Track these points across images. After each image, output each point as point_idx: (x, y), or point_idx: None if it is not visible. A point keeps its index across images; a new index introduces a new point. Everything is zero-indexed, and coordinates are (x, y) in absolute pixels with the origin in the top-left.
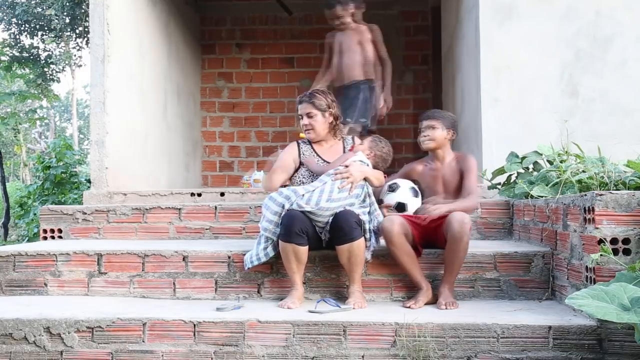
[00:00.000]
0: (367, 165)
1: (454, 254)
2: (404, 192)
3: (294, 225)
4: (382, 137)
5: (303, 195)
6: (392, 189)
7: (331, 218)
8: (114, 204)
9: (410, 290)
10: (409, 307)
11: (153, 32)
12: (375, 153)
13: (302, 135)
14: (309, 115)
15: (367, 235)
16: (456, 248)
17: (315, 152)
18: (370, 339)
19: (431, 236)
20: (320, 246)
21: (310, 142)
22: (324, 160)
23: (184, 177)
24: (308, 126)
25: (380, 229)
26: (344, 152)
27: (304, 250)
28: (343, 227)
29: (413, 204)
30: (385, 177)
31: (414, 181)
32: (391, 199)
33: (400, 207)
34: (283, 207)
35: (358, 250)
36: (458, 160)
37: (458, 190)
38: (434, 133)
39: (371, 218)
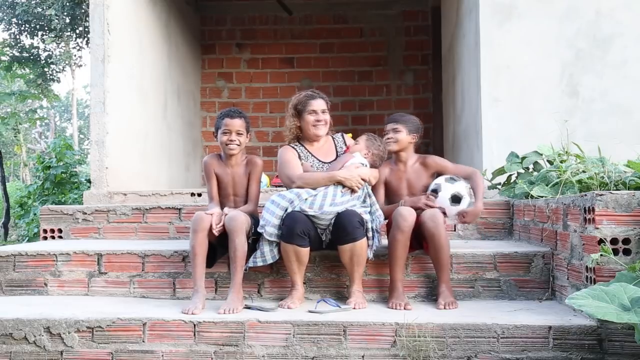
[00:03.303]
0: (366, 165)
1: (437, 252)
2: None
3: (296, 227)
4: (375, 135)
5: (306, 199)
6: (454, 180)
7: (333, 219)
8: (114, 204)
9: (410, 290)
10: (404, 308)
11: (153, 32)
12: (372, 151)
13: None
14: (323, 112)
15: (370, 235)
16: (437, 245)
17: (310, 152)
18: (370, 339)
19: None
20: (321, 247)
21: (301, 144)
22: (319, 160)
23: (184, 177)
24: (322, 122)
25: (396, 214)
26: (336, 149)
27: (305, 251)
28: (346, 227)
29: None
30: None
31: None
32: (451, 189)
33: (456, 199)
34: (286, 210)
35: (360, 250)
36: (422, 162)
37: (422, 192)
38: (398, 136)
39: (373, 217)
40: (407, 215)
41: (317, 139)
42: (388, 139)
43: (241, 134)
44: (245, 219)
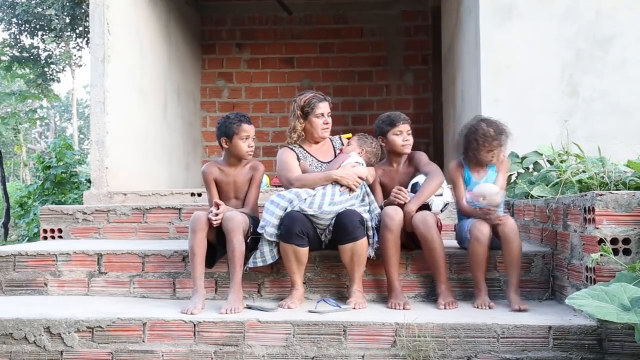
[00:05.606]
0: (362, 164)
1: (431, 253)
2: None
3: (294, 227)
4: (366, 134)
5: (305, 199)
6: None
7: (333, 220)
8: (114, 204)
9: (410, 290)
10: (403, 308)
11: (153, 32)
12: (366, 149)
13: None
14: (329, 115)
15: (370, 233)
16: (430, 247)
17: (309, 153)
18: (370, 339)
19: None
20: (320, 247)
21: (300, 145)
22: (318, 160)
23: (184, 176)
24: (328, 125)
25: (382, 214)
26: (334, 150)
27: (304, 251)
28: (347, 226)
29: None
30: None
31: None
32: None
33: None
34: (286, 210)
35: (361, 250)
36: (408, 159)
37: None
38: (411, 138)
39: (372, 216)
40: (393, 214)
41: (321, 140)
42: (406, 141)
43: (254, 138)
44: (242, 218)
